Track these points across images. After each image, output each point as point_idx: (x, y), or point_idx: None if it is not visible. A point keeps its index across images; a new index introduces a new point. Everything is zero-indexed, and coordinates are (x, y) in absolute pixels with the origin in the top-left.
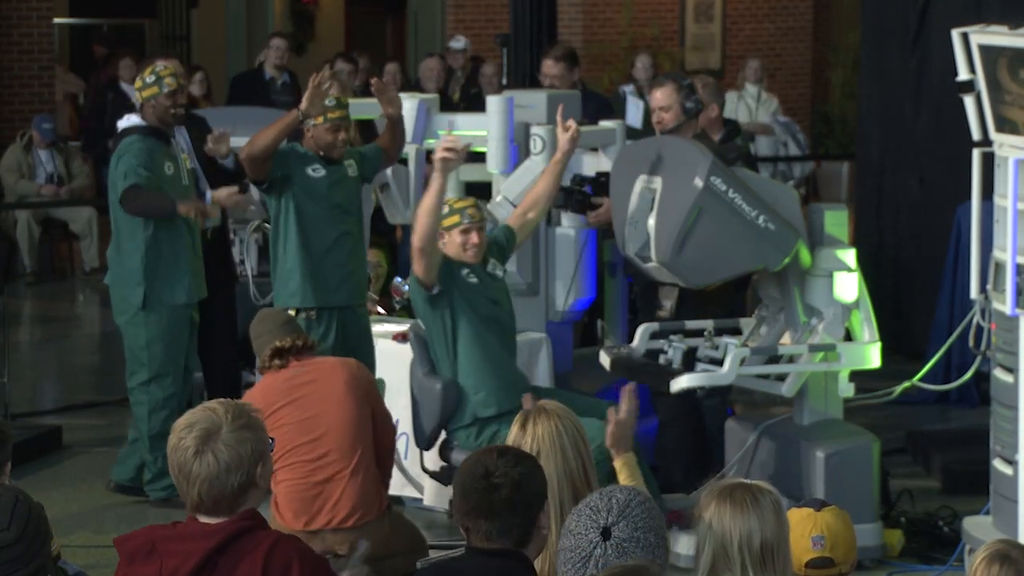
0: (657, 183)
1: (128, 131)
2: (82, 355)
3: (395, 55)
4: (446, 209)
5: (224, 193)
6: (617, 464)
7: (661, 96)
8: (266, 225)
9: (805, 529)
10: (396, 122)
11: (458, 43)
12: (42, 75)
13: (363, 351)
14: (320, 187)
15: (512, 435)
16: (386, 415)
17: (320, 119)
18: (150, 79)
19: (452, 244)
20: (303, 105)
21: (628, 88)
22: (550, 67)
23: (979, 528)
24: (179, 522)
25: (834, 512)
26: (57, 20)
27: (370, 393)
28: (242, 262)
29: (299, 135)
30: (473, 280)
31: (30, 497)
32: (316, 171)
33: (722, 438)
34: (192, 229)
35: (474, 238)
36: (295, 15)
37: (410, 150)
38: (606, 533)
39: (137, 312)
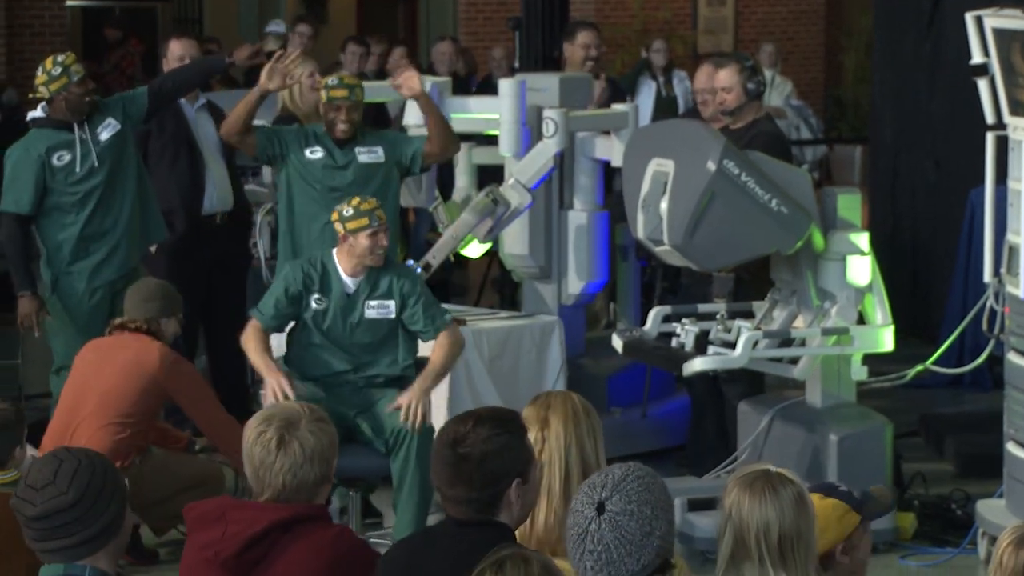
0: (670, 166)
1: (32, 123)
2: None
3: (407, 39)
4: (350, 211)
5: (245, 52)
6: None
7: (724, 76)
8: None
9: None
10: (420, 103)
11: (277, 27)
12: None
13: None
14: (314, 168)
15: (525, 410)
16: (203, 407)
17: (324, 97)
18: (55, 72)
19: (358, 247)
20: (261, 79)
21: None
22: (585, 37)
23: (992, 511)
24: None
25: (834, 505)
26: (69, 3)
27: (159, 382)
28: (255, 244)
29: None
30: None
31: (101, 461)
32: (314, 152)
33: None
34: (86, 215)
35: (382, 240)
36: None
37: (422, 132)
38: (600, 508)
39: (49, 298)
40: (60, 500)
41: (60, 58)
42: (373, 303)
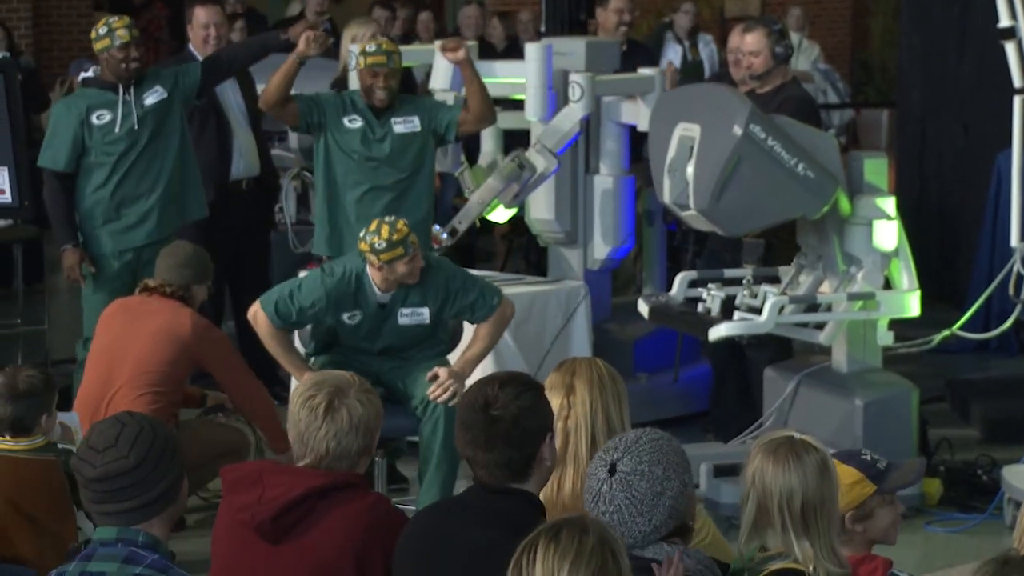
0: (696, 131)
1: (83, 83)
2: None
3: (433, 3)
4: (383, 244)
5: (300, 28)
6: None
7: (752, 41)
8: (306, 173)
9: None
10: (464, 71)
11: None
12: (80, 22)
13: None
14: (352, 139)
15: (550, 376)
16: (234, 375)
17: (361, 62)
18: (103, 31)
19: (395, 274)
20: (300, 45)
21: (667, 35)
22: (618, 2)
23: (1018, 477)
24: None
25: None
26: None
27: (191, 349)
28: (280, 210)
29: None
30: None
31: (162, 428)
32: (353, 122)
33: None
34: (119, 177)
35: (418, 262)
36: None
37: (448, 97)
38: (612, 469)
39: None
40: (120, 463)
41: (112, 20)
42: (406, 311)
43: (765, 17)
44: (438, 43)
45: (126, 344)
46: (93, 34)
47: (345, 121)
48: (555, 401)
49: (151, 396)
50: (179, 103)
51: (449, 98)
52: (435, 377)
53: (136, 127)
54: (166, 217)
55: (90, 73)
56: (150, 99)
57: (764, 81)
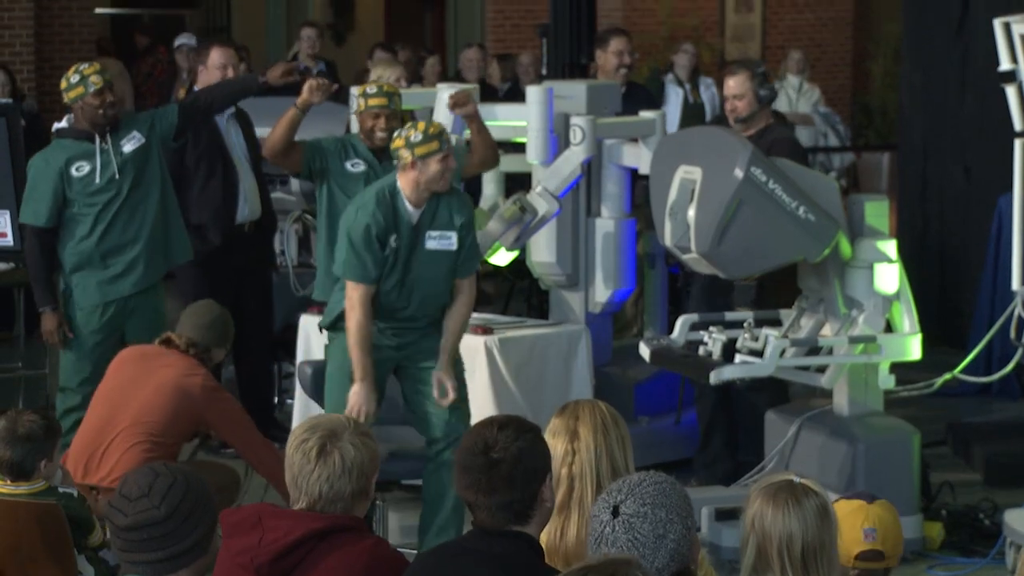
0: (697, 173)
1: (56, 133)
2: None
3: (435, 46)
4: (419, 136)
5: (279, 71)
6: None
7: (735, 84)
8: (307, 216)
9: (857, 521)
10: (470, 122)
11: (188, 39)
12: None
13: None
14: (356, 182)
15: (552, 420)
16: (243, 435)
17: (362, 104)
18: (75, 79)
19: (428, 172)
20: (304, 93)
21: (667, 77)
22: (618, 44)
23: (1021, 521)
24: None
25: (884, 506)
26: (98, 10)
27: (197, 408)
28: (282, 252)
29: None
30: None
31: (197, 480)
32: (355, 166)
33: (762, 432)
34: (102, 227)
35: (451, 163)
36: (335, 5)
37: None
38: (615, 511)
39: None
40: (152, 513)
41: (83, 67)
42: (434, 234)
43: (749, 60)
44: (441, 87)
45: (134, 391)
46: (64, 84)
47: (348, 165)
48: (559, 446)
49: (149, 445)
50: (157, 147)
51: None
52: (445, 400)
53: (117, 176)
54: (152, 264)
55: (63, 123)
56: (128, 146)
57: (748, 124)
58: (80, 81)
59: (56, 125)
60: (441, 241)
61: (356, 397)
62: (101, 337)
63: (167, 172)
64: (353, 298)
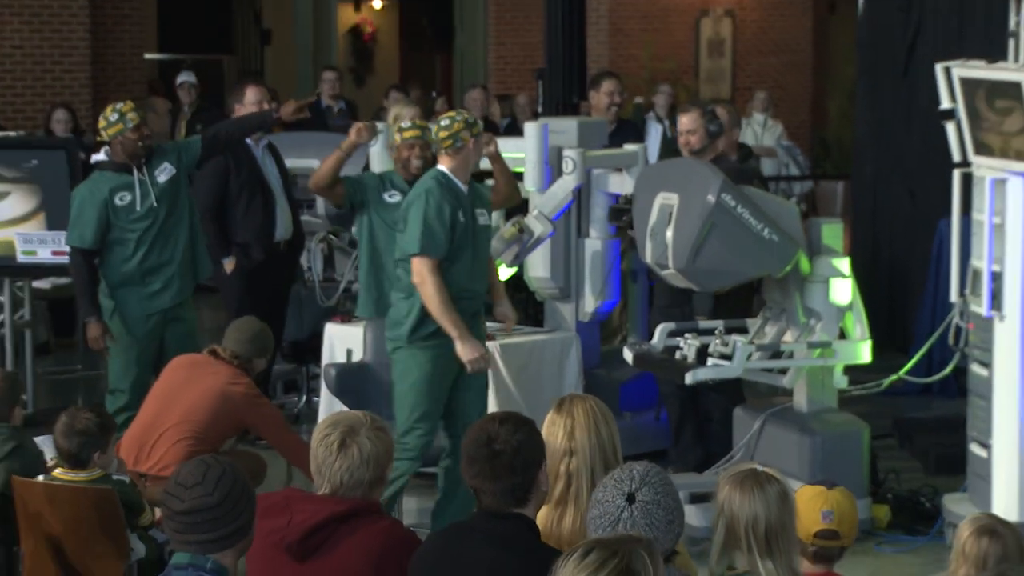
0: (674, 199)
1: (95, 166)
2: None
3: (443, 87)
4: (471, 118)
5: (290, 108)
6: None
7: (688, 121)
8: (331, 236)
9: (817, 504)
10: (493, 161)
11: (188, 76)
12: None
13: None
14: (393, 212)
15: (548, 416)
16: (280, 435)
17: (398, 138)
18: (113, 117)
19: (479, 149)
20: (351, 134)
21: (648, 115)
22: (610, 85)
23: (957, 504)
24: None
25: (843, 493)
26: (147, 55)
27: (239, 413)
28: (309, 269)
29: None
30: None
31: (240, 471)
32: (392, 196)
33: (727, 425)
34: (144, 250)
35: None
36: (356, 51)
37: None
38: (631, 498)
39: (109, 323)
40: (206, 499)
41: (119, 105)
42: (480, 211)
43: (698, 100)
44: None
45: (182, 393)
46: (103, 122)
47: (386, 197)
48: (557, 442)
49: (192, 442)
50: (184, 176)
51: None
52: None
53: (155, 204)
54: (185, 280)
55: (102, 156)
56: (162, 176)
57: (701, 155)
58: (119, 119)
59: (95, 158)
60: (484, 217)
61: (469, 353)
62: (145, 344)
63: (192, 199)
64: (424, 271)
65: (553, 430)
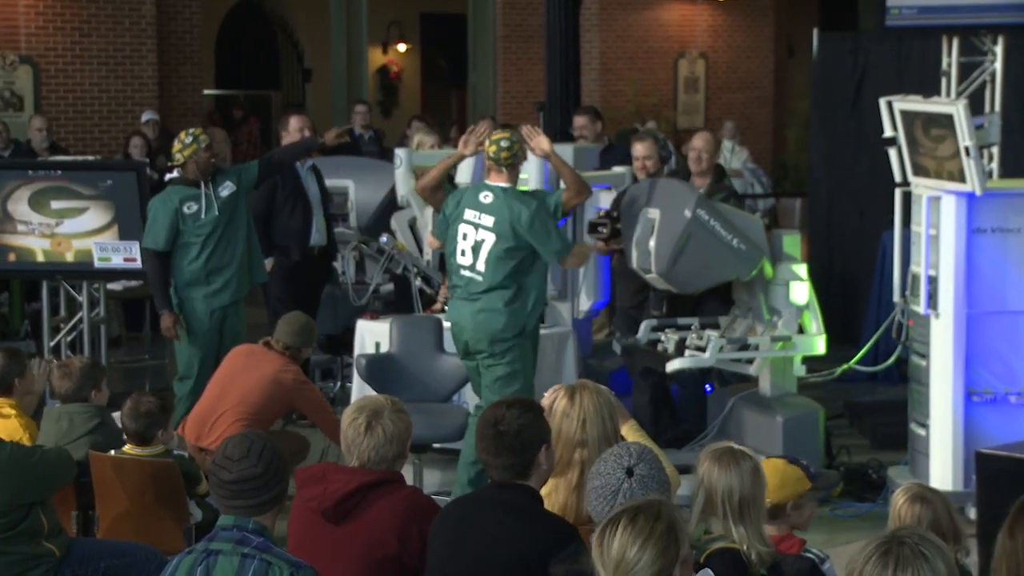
0: (656, 213)
1: (170, 182)
2: None
3: (458, 117)
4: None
5: (332, 134)
6: (624, 430)
7: (643, 148)
8: (362, 245)
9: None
10: (551, 160)
11: (152, 115)
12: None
13: None
14: None
15: (562, 405)
16: (323, 415)
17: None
18: (188, 140)
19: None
20: (460, 146)
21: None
22: (578, 121)
23: (900, 475)
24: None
25: (769, 461)
26: (206, 91)
27: (289, 396)
28: (343, 273)
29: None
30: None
31: (279, 445)
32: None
33: (697, 406)
34: (207, 253)
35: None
36: (383, 86)
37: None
38: (630, 472)
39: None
40: (251, 470)
41: (191, 130)
42: None
43: (650, 130)
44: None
45: (239, 379)
46: (178, 145)
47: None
48: (571, 433)
49: (247, 422)
50: (243, 193)
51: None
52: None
53: (218, 214)
54: (242, 282)
55: (175, 174)
56: (224, 192)
57: (655, 177)
58: (193, 140)
59: (168, 176)
60: None
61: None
62: (209, 337)
63: (250, 213)
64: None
65: (568, 422)
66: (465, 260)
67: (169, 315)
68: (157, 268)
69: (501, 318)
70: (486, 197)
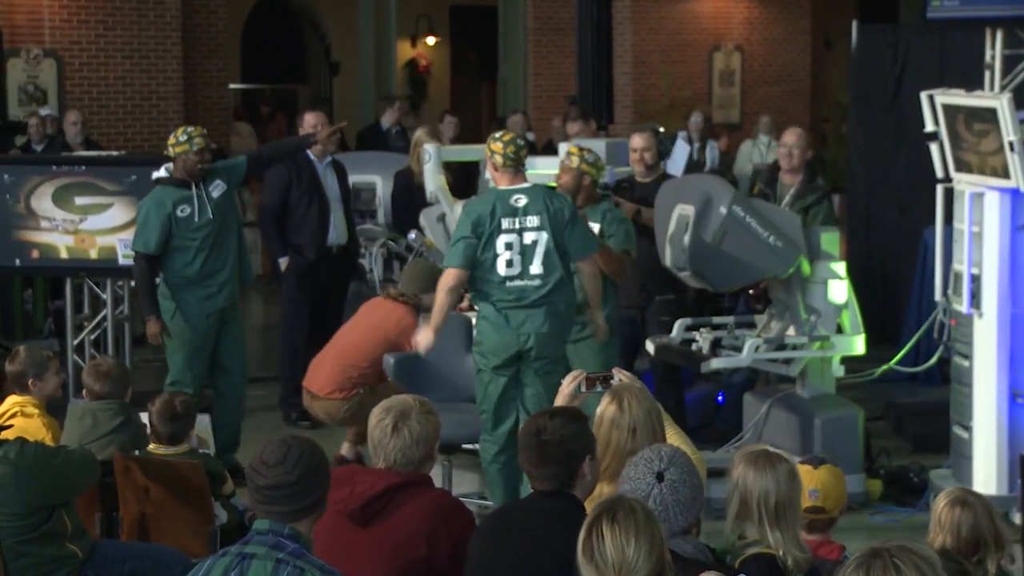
0: (691, 210)
1: (157, 181)
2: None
3: (489, 112)
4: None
5: (326, 132)
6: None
7: (642, 140)
8: (390, 242)
9: (804, 482)
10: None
11: (50, 111)
12: (222, 127)
13: None
14: None
15: (611, 412)
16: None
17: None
18: (182, 138)
19: None
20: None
21: (682, 134)
22: (572, 128)
23: (942, 479)
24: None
25: (828, 469)
26: (232, 86)
27: (395, 339)
28: (371, 270)
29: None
30: None
31: (320, 452)
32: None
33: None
34: (203, 256)
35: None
36: (412, 80)
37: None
38: (660, 477)
39: (170, 323)
40: (286, 477)
41: (189, 129)
42: None
43: (650, 124)
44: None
45: (353, 329)
46: (172, 140)
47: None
48: (622, 442)
49: (347, 367)
50: (233, 192)
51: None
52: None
53: (212, 217)
54: (235, 284)
55: (162, 172)
56: (215, 192)
57: (653, 169)
58: (187, 140)
59: (155, 174)
60: None
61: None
62: (205, 340)
63: (239, 213)
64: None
65: (618, 432)
66: (513, 270)
67: (156, 321)
68: (146, 272)
69: (566, 320)
70: (518, 200)
